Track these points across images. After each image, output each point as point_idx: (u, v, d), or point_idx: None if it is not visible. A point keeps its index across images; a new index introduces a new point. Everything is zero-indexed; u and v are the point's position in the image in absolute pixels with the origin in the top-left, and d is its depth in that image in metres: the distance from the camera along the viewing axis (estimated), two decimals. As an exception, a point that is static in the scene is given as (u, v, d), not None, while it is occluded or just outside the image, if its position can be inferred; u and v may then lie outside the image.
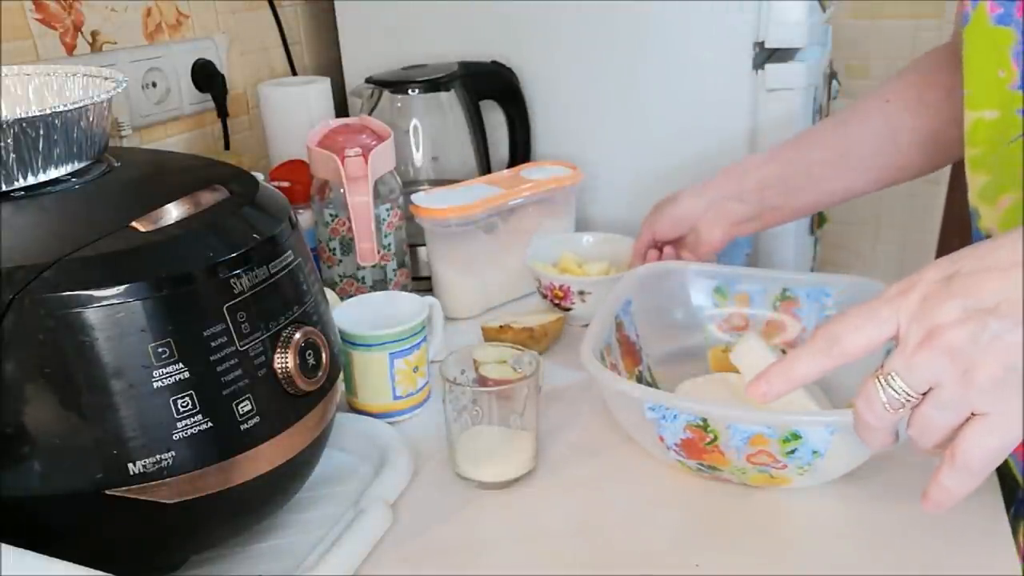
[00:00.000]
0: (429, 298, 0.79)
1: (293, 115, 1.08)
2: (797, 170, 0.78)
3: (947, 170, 1.85)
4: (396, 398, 0.73)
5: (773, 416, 0.57)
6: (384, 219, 0.89)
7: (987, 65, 0.56)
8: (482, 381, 0.67)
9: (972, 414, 0.43)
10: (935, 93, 0.71)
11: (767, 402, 0.51)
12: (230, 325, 0.49)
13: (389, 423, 0.72)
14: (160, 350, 0.47)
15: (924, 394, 0.44)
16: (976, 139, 0.59)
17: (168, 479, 0.48)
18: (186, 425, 0.48)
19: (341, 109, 1.20)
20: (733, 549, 0.57)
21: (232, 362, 0.49)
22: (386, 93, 1.04)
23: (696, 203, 0.81)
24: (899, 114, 0.73)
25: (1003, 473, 0.63)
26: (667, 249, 0.85)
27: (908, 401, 0.45)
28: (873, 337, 0.46)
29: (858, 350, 0.47)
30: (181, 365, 0.47)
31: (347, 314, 0.74)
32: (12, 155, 0.50)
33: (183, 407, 0.48)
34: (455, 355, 0.67)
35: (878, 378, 0.45)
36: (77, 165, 0.55)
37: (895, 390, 0.45)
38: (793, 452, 0.57)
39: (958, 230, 1.86)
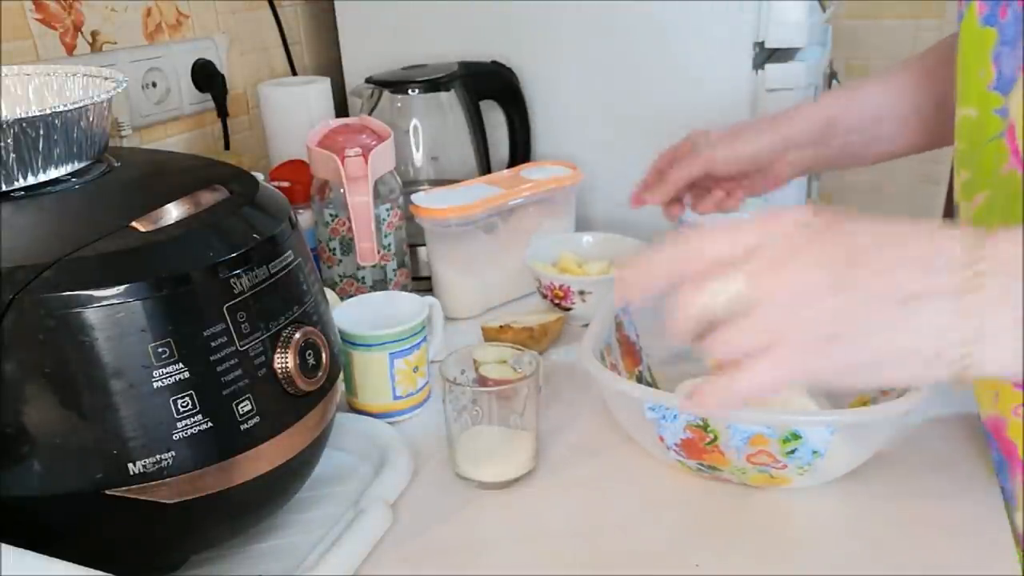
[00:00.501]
0: (429, 298, 0.79)
1: (293, 115, 1.08)
2: (851, 124, 0.74)
3: (947, 170, 1.85)
4: (396, 398, 0.73)
5: (773, 416, 0.57)
6: (384, 219, 0.89)
7: (972, 64, 0.56)
8: (482, 381, 0.67)
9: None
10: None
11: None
12: (230, 325, 0.49)
13: (389, 423, 0.72)
14: (160, 350, 0.47)
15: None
16: (961, 135, 0.59)
17: (168, 479, 0.48)
18: (186, 425, 0.48)
19: (341, 109, 1.20)
20: (733, 549, 0.57)
21: (232, 362, 0.49)
22: (386, 93, 1.04)
23: (762, 141, 0.75)
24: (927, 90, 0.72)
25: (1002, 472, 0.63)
26: (718, 190, 0.78)
27: (718, 312, 0.41)
28: (732, 243, 0.41)
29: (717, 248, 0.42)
30: (181, 365, 0.47)
31: (347, 314, 0.74)
32: (12, 155, 0.50)
33: (183, 407, 0.48)
34: (455, 355, 0.67)
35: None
36: (77, 165, 0.55)
37: (722, 296, 0.40)
38: (793, 452, 0.57)
39: (958, 230, 1.86)
